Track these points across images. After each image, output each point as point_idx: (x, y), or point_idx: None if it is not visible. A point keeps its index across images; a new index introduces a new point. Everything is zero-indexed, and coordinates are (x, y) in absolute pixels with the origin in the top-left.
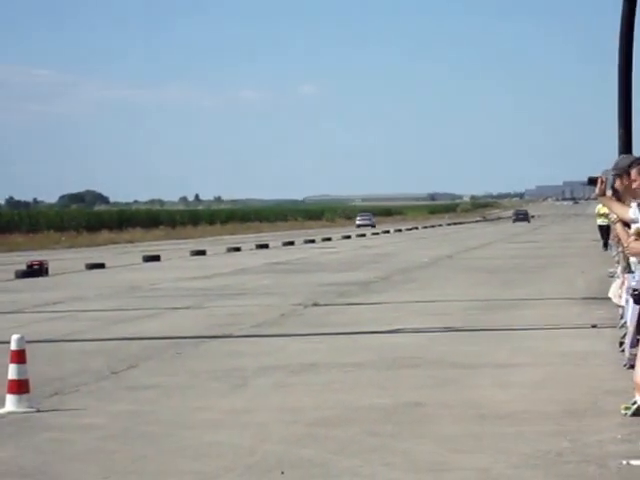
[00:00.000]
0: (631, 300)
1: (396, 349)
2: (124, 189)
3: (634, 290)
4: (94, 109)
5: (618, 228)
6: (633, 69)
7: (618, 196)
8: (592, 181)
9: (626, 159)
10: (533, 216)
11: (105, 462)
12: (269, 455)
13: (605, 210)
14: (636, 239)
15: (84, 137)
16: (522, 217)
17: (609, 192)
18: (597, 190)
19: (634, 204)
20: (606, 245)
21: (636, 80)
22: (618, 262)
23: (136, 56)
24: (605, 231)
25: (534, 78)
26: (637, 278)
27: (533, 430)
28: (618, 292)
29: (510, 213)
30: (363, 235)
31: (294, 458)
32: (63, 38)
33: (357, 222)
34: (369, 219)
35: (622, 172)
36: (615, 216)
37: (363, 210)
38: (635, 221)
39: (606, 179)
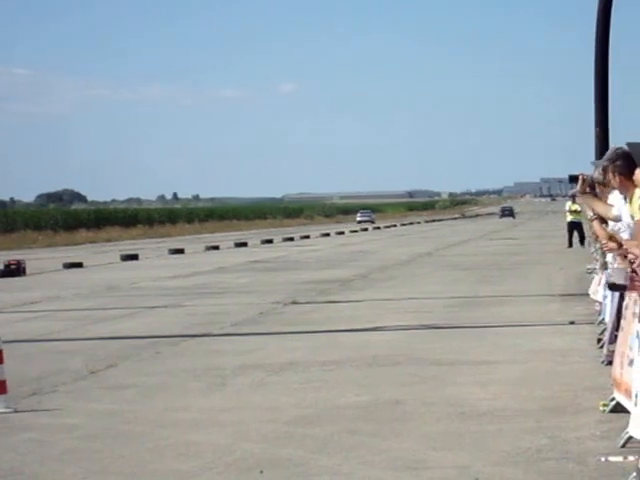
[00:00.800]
0: (609, 297)
1: (376, 347)
2: (102, 188)
3: (609, 277)
4: (73, 108)
5: (596, 226)
6: (609, 68)
7: (595, 193)
8: (573, 179)
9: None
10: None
11: (84, 462)
12: (248, 454)
13: (576, 207)
14: (611, 242)
15: (62, 136)
16: (508, 213)
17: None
18: (579, 188)
19: (617, 199)
20: (571, 243)
21: (612, 79)
22: (596, 259)
23: (117, 56)
24: (575, 228)
25: (511, 76)
26: (616, 268)
27: (513, 427)
28: (597, 289)
29: (488, 210)
30: (342, 233)
31: (273, 457)
32: (43, 37)
33: (358, 218)
34: (369, 215)
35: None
36: (592, 214)
37: (343, 209)
38: (619, 218)
39: (587, 177)
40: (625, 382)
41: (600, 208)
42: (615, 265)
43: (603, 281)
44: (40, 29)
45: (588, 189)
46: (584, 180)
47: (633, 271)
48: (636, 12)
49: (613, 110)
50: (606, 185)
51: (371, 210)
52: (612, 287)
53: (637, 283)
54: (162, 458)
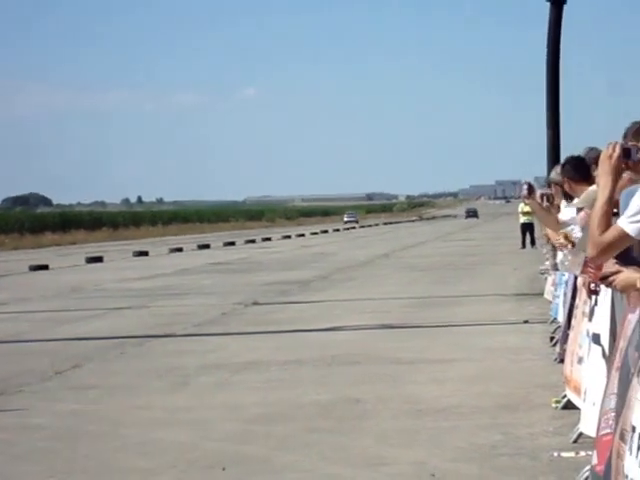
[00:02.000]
0: (561, 297)
1: (335, 346)
2: (67, 192)
3: (563, 263)
4: (37, 113)
5: (549, 231)
6: (560, 72)
7: (551, 201)
8: (530, 189)
9: (592, 152)
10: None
11: (49, 461)
12: (211, 451)
13: (528, 209)
14: (565, 242)
15: (28, 140)
16: (472, 214)
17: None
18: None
19: (568, 208)
20: (524, 244)
21: (563, 82)
22: (548, 259)
23: (79, 61)
24: (527, 229)
25: (467, 80)
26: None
27: (468, 424)
28: (550, 289)
29: (445, 212)
30: (302, 235)
31: (235, 454)
32: (5, 42)
33: (345, 219)
34: (354, 217)
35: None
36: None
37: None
38: (568, 223)
39: (534, 186)
40: (575, 379)
41: (543, 217)
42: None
43: (550, 281)
44: (2, 34)
45: (538, 198)
46: (531, 189)
47: (587, 258)
48: (588, 16)
49: (564, 112)
50: (562, 186)
51: (355, 212)
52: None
53: (589, 269)
54: (126, 456)
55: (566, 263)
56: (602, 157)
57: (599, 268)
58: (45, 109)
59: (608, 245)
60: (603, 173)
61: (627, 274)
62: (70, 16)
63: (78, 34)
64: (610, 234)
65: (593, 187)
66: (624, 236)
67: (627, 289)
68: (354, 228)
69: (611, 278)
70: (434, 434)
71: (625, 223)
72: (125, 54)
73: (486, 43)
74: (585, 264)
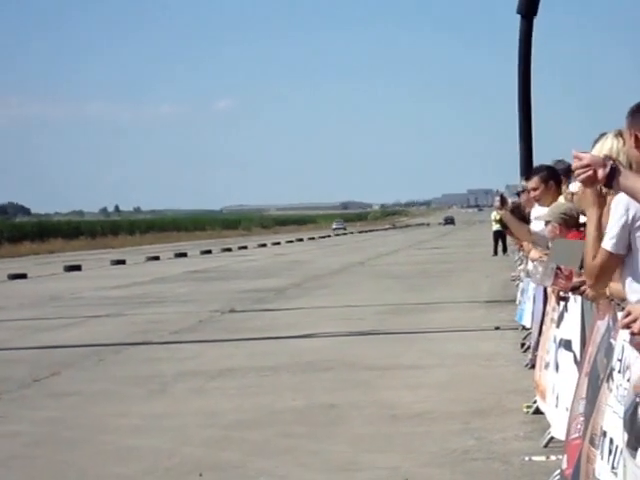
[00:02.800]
0: (527, 303)
1: (310, 353)
2: (45, 201)
3: (534, 275)
4: (17, 123)
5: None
6: (532, 82)
7: (521, 212)
8: (502, 200)
9: (560, 164)
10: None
11: (28, 468)
12: (188, 458)
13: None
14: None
15: (5, 151)
16: (449, 221)
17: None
18: (496, 205)
19: (537, 220)
20: (497, 251)
21: (535, 93)
22: (520, 266)
23: (58, 72)
24: (499, 237)
25: (440, 91)
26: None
27: (441, 429)
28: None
29: (418, 220)
30: (278, 243)
31: (212, 460)
32: None
33: (334, 226)
34: (342, 225)
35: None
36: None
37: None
38: (543, 234)
39: (506, 197)
40: (542, 384)
41: (515, 229)
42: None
43: (520, 288)
44: None
45: (509, 208)
46: (503, 200)
47: (558, 268)
48: (558, 30)
49: (536, 122)
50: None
51: (343, 220)
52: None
53: (560, 280)
54: (104, 463)
55: (537, 276)
56: (582, 189)
57: (569, 278)
58: (22, 119)
59: (600, 269)
60: (587, 205)
61: None
62: (44, 27)
63: (56, 45)
64: (599, 258)
65: (560, 200)
66: (609, 255)
67: (597, 297)
68: (344, 234)
69: (582, 288)
70: (408, 439)
71: (605, 242)
72: (104, 65)
73: (459, 55)
74: (556, 276)
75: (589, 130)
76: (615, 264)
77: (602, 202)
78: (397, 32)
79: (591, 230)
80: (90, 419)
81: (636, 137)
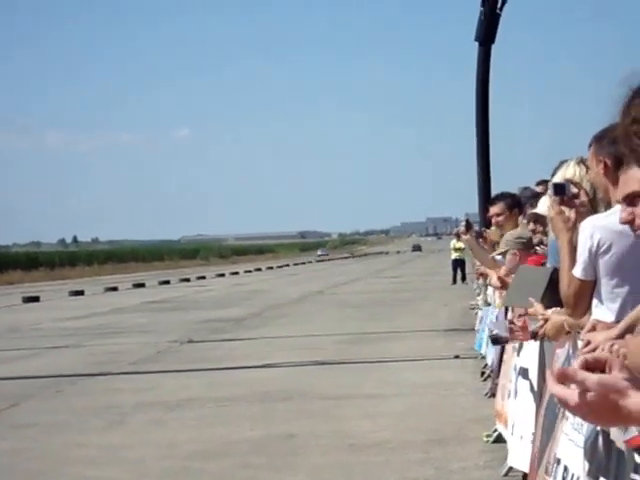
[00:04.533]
0: (486, 331)
1: (268, 383)
2: (2, 232)
3: (491, 332)
4: None
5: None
6: (489, 110)
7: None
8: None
9: (527, 191)
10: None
11: None
12: None
13: (460, 245)
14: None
15: None
16: (417, 248)
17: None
18: (461, 231)
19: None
20: (455, 280)
21: (493, 120)
22: (479, 295)
23: (13, 103)
24: (458, 266)
25: (398, 120)
26: (497, 321)
27: (400, 458)
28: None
29: (376, 249)
30: (236, 273)
31: None
32: None
33: (318, 253)
34: (325, 253)
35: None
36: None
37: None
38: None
39: (471, 222)
40: (505, 413)
41: (478, 255)
42: (495, 319)
43: (479, 316)
44: None
45: (474, 234)
46: (469, 225)
47: (511, 322)
48: (517, 56)
49: (494, 151)
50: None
51: (326, 248)
52: (495, 341)
53: (517, 333)
54: None
55: (495, 331)
56: (550, 215)
57: (524, 329)
58: None
59: (574, 296)
60: (557, 231)
61: (552, 321)
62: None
63: (10, 74)
64: (572, 286)
65: (514, 231)
66: (580, 283)
67: (558, 335)
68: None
69: (540, 332)
70: (367, 469)
71: (575, 269)
72: (61, 95)
73: (416, 83)
74: (510, 330)
75: (548, 158)
76: (588, 290)
77: (571, 229)
78: (352, 60)
79: (563, 259)
80: (49, 450)
81: (605, 164)
